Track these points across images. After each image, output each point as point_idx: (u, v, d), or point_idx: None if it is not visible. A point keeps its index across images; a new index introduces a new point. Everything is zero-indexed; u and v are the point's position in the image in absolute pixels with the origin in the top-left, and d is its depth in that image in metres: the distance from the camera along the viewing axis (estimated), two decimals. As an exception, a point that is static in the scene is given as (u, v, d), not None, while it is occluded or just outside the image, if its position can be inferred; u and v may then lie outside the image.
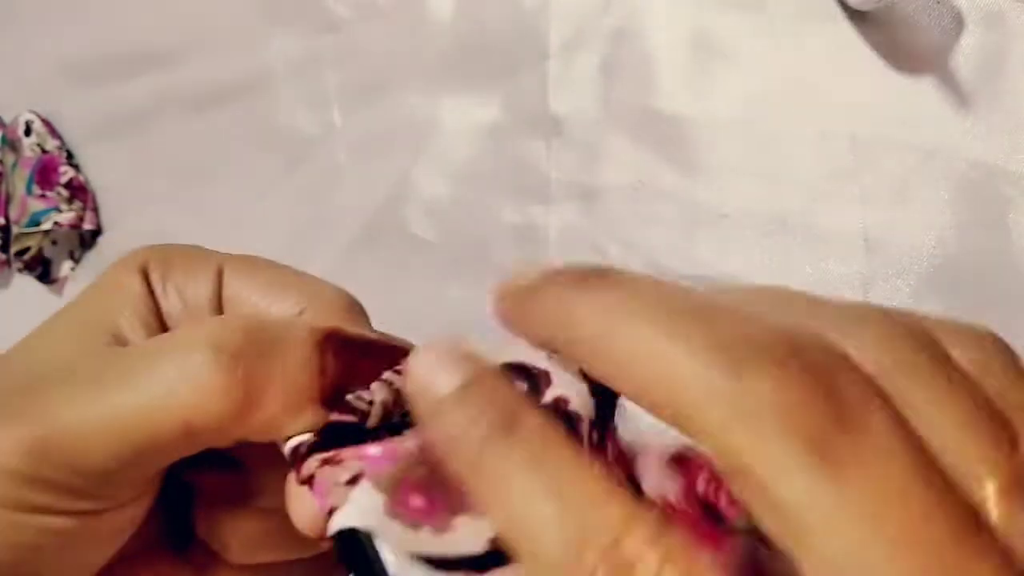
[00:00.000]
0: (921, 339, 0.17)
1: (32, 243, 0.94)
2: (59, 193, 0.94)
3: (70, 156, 0.98)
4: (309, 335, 0.22)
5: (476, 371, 0.20)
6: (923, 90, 0.76)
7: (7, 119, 1.00)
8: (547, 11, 0.86)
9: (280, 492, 0.21)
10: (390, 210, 0.86)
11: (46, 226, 0.92)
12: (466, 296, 0.81)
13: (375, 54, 0.91)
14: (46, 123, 0.98)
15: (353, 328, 0.24)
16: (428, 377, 0.20)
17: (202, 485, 0.24)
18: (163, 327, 0.24)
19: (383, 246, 0.86)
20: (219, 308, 0.25)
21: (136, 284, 0.24)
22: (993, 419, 0.16)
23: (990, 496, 0.15)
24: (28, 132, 0.97)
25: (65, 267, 0.96)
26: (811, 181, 0.77)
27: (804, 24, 0.80)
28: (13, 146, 0.97)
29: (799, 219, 0.76)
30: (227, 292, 0.25)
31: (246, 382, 0.20)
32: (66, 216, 0.93)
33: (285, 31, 0.94)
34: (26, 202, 0.94)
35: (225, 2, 0.97)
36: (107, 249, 0.96)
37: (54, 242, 0.95)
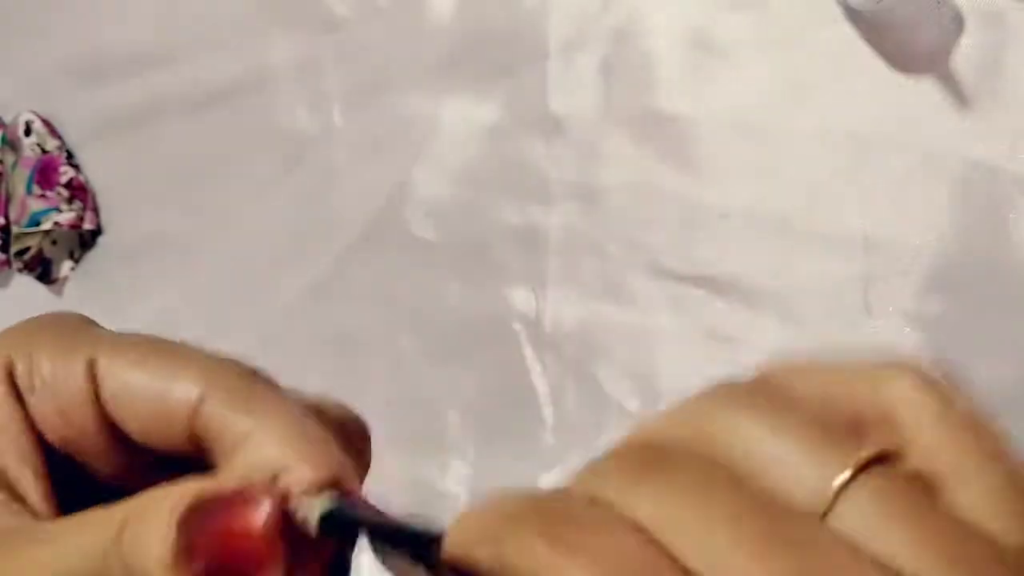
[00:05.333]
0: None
1: (32, 243, 0.94)
2: (59, 193, 0.94)
3: (70, 156, 0.98)
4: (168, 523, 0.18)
5: None
6: (923, 90, 0.76)
7: (7, 119, 1.00)
8: (547, 11, 0.86)
9: None
10: (390, 210, 0.86)
11: (46, 226, 0.92)
12: (466, 296, 0.81)
13: (375, 54, 0.91)
14: (46, 123, 0.98)
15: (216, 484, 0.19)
16: None
17: None
18: (41, 458, 0.21)
19: (383, 246, 0.86)
20: (98, 401, 0.21)
21: (3, 397, 0.21)
22: None
23: None
24: (28, 132, 0.97)
25: (65, 267, 0.96)
26: (811, 181, 0.77)
27: (804, 24, 0.80)
28: (13, 146, 0.97)
29: (799, 219, 0.76)
30: (108, 384, 0.21)
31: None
32: (66, 216, 0.93)
33: (285, 31, 0.94)
34: (26, 202, 0.94)
35: (225, 2, 0.97)
36: (107, 249, 0.96)
37: (54, 242, 0.95)
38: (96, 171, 0.97)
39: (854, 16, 0.78)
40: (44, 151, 0.96)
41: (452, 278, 0.83)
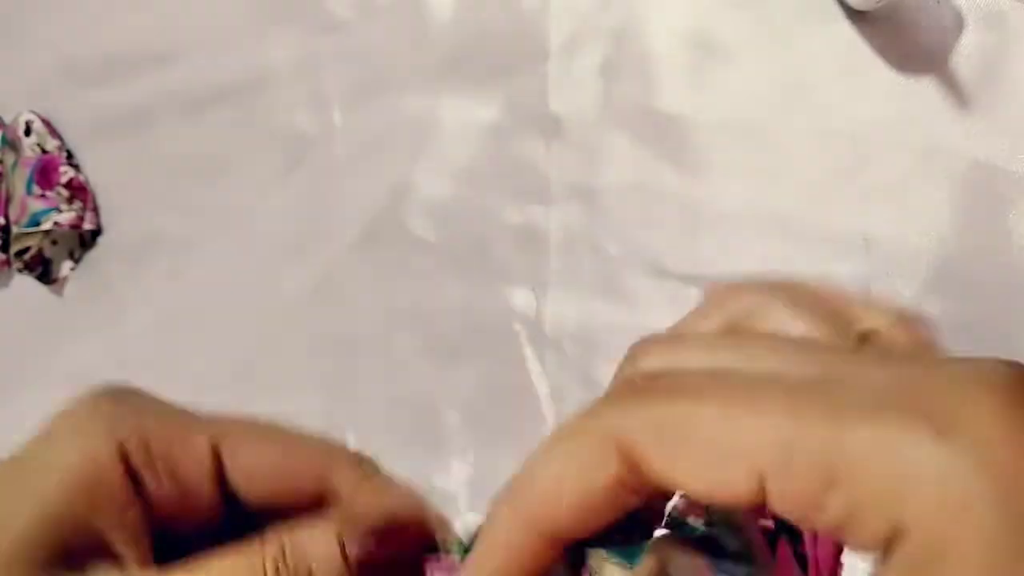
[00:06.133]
0: None
1: (32, 243, 0.94)
2: (59, 193, 0.94)
3: (70, 156, 0.98)
4: (333, 548, 0.22)
5: None
6: (923, 90, 0.76)
7: (7, 119, 1.00)
8: (547, 11, 0.86)
9: None
10: (390, 210, 0.86)
11: (46, 226, 0.92)
12: (466, 296, 0.81)
13: (375, 54, 0.91)
14: (46, 123, 0.98)
15: (374, 511, 0.24)
16: None
17: None
18: (147, 526, 0.22)
19: (383, 246, 0.86)
20: (217, 480, 0.23)
21: (116, 476, 0.22)
22: None
23: None
24: (28, 132, 0.97)
25: (65, 267, 0.96)
26: (811, 181, 0.77)
27: (804, 24, 0.80)
28: (13, 146, 0.97)
29: (799, 219, 0.76)
30: (236, 463, 0.23)
31: None
32: (66, 216, 0.93)
33: (285, 31, 0.94)
34: (26, 202, 0.94)
35: (225, 2, 0.97)
36: (107, 249, 0.96)
37: (54, 242, 0.95)
38: (96, 171, 0.97)
39: (854, 16, 0.78)
40: (44, 151, 0.96)
41: (452, 278, 0.82)
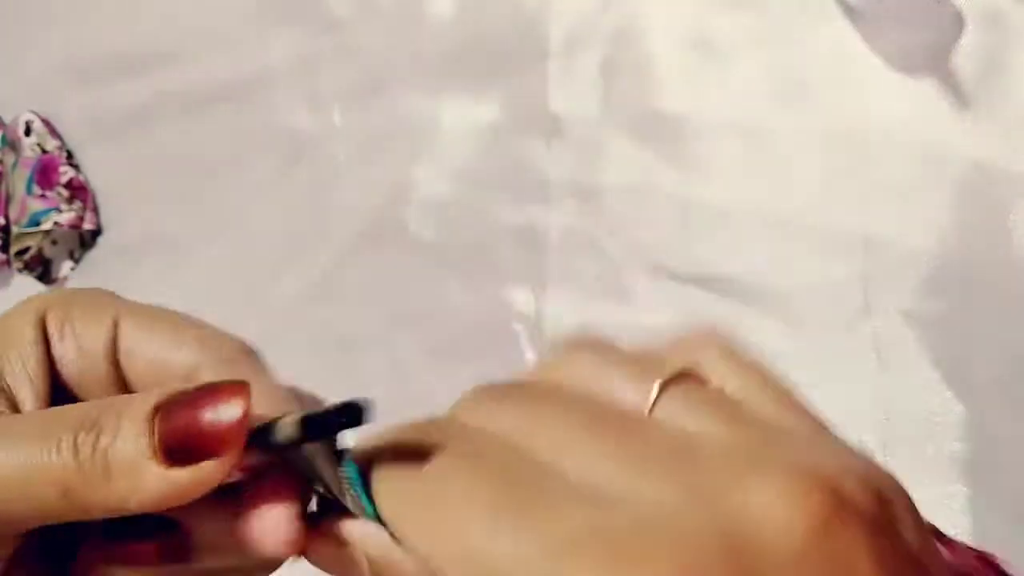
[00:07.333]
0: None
1: (32, 243, 0.94)
2: (59, 193, 0.94)
3: (70, 156, 0.98)
4: (141, 409, 0.22)
5: None
6: (923, 90, 0.76)
7: (7, 119, 1.00)
8: (547, 11, 0.86)
9: (218, 551, 0.23)
10: (390, 210, 0.86)
11: (46, 226, 0.92)
12: (466, 296, 0.81)
13: (375, 54, 0.91)
14: (46, 123, 0.98)
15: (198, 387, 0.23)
16: None
17: (124, 553, 0.24)
18: (51, 372, 0.25)
19: (383, 246, 0.86)
20: (114, 358, 0.25)
21: (29, 330, 0.25)
22: None
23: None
24: (28, 132, 0.97)
25: (65, 267, 0.96)
26: (811, 181, 0.77)
27: (804, 24, 0.80)
28: (13, 146, 0.97)
29: (799, 219, 0.76)
30: (124, 344, 0.25)
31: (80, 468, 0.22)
32: (66, 216, 0.93)
33: (285, 31, 0.94)
34: (26, 202, 0.94)
35: (225, 2, 0.97)
36: (107, 249, 0.96)
37: (54, 242, 0.95)
38: (96, 171, 0.97)
39: (854, 15, 0.78)
40: (44, 151, 0.96)
41: (452, 278, 0.83)
